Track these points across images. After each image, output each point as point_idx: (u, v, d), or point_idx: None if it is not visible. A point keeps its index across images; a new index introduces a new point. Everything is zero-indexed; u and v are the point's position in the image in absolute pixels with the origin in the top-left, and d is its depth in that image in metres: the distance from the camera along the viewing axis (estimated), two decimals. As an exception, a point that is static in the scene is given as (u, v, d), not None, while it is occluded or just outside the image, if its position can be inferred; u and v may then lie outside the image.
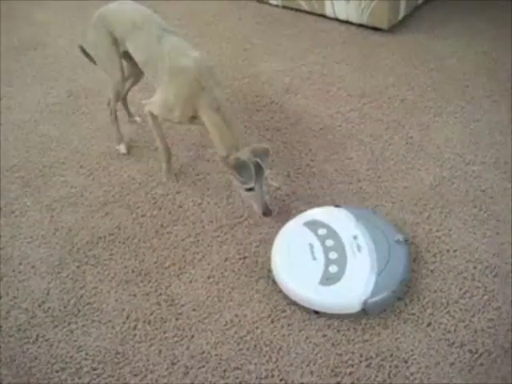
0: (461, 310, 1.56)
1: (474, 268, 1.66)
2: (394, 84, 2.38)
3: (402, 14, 2.68)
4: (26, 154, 2.22)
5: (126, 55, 2.03)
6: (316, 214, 1.77)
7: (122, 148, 2.19)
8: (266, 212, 1.79)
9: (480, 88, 2.32)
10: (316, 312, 1.57)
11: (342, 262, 1.60)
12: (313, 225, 1.72)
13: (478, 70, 2.42)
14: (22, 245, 1.86)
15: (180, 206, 1.95)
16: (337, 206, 1.81)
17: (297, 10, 2.89)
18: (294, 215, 1.81)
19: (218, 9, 3.02)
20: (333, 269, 1.59)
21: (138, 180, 2.06)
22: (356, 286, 1.55)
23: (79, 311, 1.65)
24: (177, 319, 1.61)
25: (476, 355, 1.46)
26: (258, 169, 1.73)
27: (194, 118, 1.85)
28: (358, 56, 2.57)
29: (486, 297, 1.59)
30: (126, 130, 2.26)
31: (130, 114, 2.32)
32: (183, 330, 1.58)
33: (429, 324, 1.53)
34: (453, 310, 1.56)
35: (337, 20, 2.78)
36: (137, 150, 2.20)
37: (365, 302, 1.53)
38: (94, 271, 1.76)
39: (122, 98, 2.25)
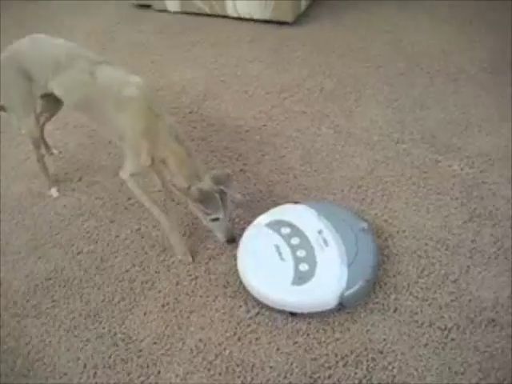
0: (422, 289, 1.56)
1: (426, 245, 1.67)
2: (309, 75, 2.37)
3: (303, 6, 2.68)
4: None
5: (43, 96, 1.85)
6: (276, 213, 1.72)
7: (54, 192, 2.02)
8: (230, 240, 1.69)
9: (393, 67, 2.36)
10: (292, 314, 1.52)
11: (311, 259, 1.56)
12: (275, 225, 1.67)
13: (386, 49, 2.47)
14: (-50, 310, 1.68)
15: (117, 236, 1.83)
16: (296, 202, 1.77)
17: (197, 13, 2.82)
18: (241, 223, 1.75)
19: (117, 21, 2.89)
20: (303, 267, 1.55)
21: (66, 216, 1.92)
22: (330, 281, 1.52)
23: (29, 371, 1.51)
24: (138, 357, 1.50)
25: (446, 331, 1.46)
26: (223, 197, 1.62)
27: (155, 160, 1.66)
28: (269, 52, 2.54)
29: (442, 271, 1.60)
30: (49, 164, 2.10)
31: (47, 147, 2.15)
32: (147, 367, 1.48)
33: (395, 309, 1.52)
34: (415, 290, 1.56)
35: (240, 19, 2.75)
36: (64, 184, 2.05)
37: (341, 296, 1.49)
38: (38, 323, 1.61)
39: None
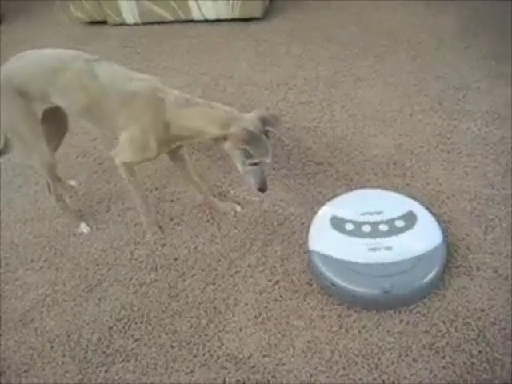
0: (493, 244, 1.63)
1: (478, 204, 1.75)
2: (298, 65, 2.40)
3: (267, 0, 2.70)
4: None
5: (43, 116, 1.71)
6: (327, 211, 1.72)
7: (84, 227, 1.90)
8: (263, 187, 1.63)
9: (374, 46, 2.44)
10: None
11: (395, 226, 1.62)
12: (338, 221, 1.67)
13: (361, 30, 2.54)
14: None
15: (175, 259, 1.75)
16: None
17: (159, 22, 2.74)
18: (303, 222, 1.75)
19: (75, 41, 2.72)
20: (399, 223, 1.61)
21: (110, 249, 1.81)
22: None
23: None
24: (254, 373, 1.46)
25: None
26: (268, 140, 1.56)
27: (170, 140, 1.62)
28: (249, 50, 2.53)
29: (504, 224, 1.68)
30: (65, 198, 1.96)
31: (60, 182, 1.99)
32: (268, 381, 1.44)
33: (478, 268, 1.58)
34: (487, 247, 1.63)
35: (206, 21, 2.70)
36: (93, 218, 1.93)
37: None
38: (129, 366, 1.51)
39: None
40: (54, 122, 1.82)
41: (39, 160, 1.76)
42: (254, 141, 1.53)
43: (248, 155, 1.55)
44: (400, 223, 1.61)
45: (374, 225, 1.62)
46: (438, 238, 1.58)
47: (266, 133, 1.56)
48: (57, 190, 1.87)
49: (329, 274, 1.57)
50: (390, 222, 1.62)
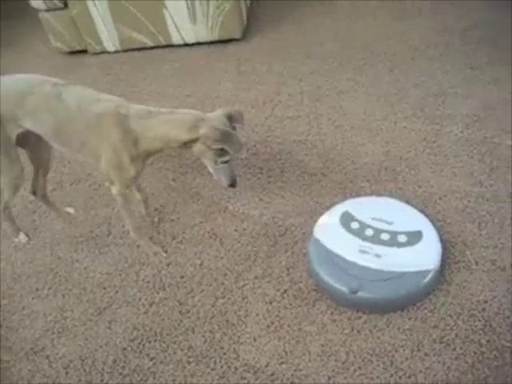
0: (487, 239, 1.70)
1: (469, 202, 1.82)
2: (282, 82, 2.46)
3: (245, 20, 2.76)
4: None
5: (21, 139, 1.75)
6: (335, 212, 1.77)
7: (23, 237, 1.99)
8: (233, 184, 1.71)
9: (351, 59, 2.52)
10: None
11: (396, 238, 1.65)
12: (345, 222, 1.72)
13: (337, 44, 2.63)
14: None
15: (182, 276, 1.78)
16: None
17: (140, 49, 2.78)
18: (299, 234, 1.80)
19: (56, 71, 2.73)
20: (401, 238, 1.64)
21: (115, 272, 1.82)
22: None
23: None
24: (272, 381, 1.49)
25: None
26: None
27: (142, 156, 1.65)
28: (231, 70, 2.59)
29: (496, 220, 1.76)
30: (64, 227, 2.01)
31: (56, 209, 2.03)
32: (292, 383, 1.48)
33: (476, 262, 1.65)
34: (483, 241, 1.70)
35: (186, 45, 2.75)
36: (95, 242, 1.94)
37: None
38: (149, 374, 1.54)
39: (40, 194, 1.98)
40: (36, 147, 1.85)
41: (7, 182, 1.79)
42: (227, 138, 1.58)
43: (220, 154, 1.61)
44: (402, 238, 1.64)
45: (378, 231, 1.67)
46: (429, 265, 1.59)
47: (233, 129, 1.62)
48: (8, 200, 1.88)
49: (314, 260, 1.66)
50: (393, 233, 1.66)
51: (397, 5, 2.81)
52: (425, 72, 2.37)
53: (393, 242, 1.64)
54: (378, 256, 1.61)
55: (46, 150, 1.90)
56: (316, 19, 2.83)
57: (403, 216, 1.72)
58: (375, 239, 1.65)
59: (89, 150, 1.68)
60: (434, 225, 1.71)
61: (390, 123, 2.17)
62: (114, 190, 1.73)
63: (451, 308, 1.56)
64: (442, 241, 1.67)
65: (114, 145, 1.62)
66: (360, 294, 1.56)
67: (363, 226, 1.69)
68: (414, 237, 1.65)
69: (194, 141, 1.60)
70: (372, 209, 1.75)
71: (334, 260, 1.63)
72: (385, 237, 1.66)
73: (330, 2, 2.95)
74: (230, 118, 1.62)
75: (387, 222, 1.69)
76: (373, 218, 1.70)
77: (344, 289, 1.58)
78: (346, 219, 1.72)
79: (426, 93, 2.27)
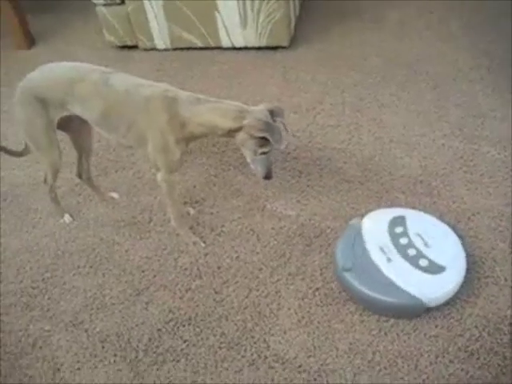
0: (518, 258, 1.77)
1: (501, 221, 1.86)
2: (325, 91, 2.53)
3: (293, 29, 2.85)
4: (3, 277, 1.92)
5: (64, 124, 1.86)
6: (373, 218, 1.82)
7: (67, 218, 2.09)
8: (269, 175, 1.78)
9: (395, 75, 2.58)
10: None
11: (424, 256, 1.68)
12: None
13: (382, 60, 2.69)
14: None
15: (219, 267, 1.85)
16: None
17: (189, 48, 2.88)
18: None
19: (106, 64, 2.84)
20: (423, 262, 1.66)
21: (154, 257, 1.91)
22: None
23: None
24: (299, 372, 1.55)
25: None
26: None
27: (186, 139, 1.75)
28: (277, 76, 2.67)
29: None
30: (107, 210, 2.10)
31: (100, 193, 2.13)
32: (314, 380, 1.53)
33: (505, 279, 1.70)
34: (516, 260, 1.76)
35: (234, 49, 2.85)
36: (136, 227, 2.03)
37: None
38: (180, 366, 1.59)
39: (85, 177, 2.08)
40: (78, 132, 1.96)
41: (48, 165, 1.90)
42: (269, 129, 1.67)
43: (261, 144, 1.69)
44: (424, 263, 1.66)
45: (409, 244, 1.70)
46: (425, 298, 1.61)
47: (275, 122, 1.72)
48: (52, 183, 1.99)
49: (343, 235, 1.79)
50: (420, 254, 1.68)
51: (443, 27, 2.87)
52: (466, 93, 2.43)
53: (414, 260, 1.66)
54: (389, 261, 1.67)
55: (88, 135, 2.00)
56: (363, 34, 2.91)
57: (443, 244, 1.72)
58: (402, 249, 1.69)
59: (135, 134, 1.76)
60: (464, 265, 1.70)
61: (429, 140, 2.22)
62: (160, 176, 1.80)
63: (477, 320, 1.61)
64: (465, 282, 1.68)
65: (161, 127, 1.71)
66: (350, 274, 1.66)
67: (404, 234, 1.73)
68: (438, 269, 1.65)
69: (238, 130, 1.69)
70: (421, 224, 1.78)
71: (355, 240, 1.73)
72: (411, 253, 1.68)
73: (379, 19, 3.02)
74: (272, 113, 1.73)
75: (425, 243, 1.70)
76: (415, 233, 1.73)
77: (339, 264, 1.69)
78: (397, 222, 1.77)
79: (465, 113, 2.32)
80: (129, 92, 1.73)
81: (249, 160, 1.78)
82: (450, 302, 1.65)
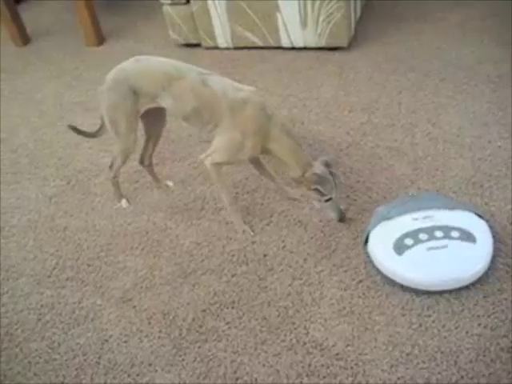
0: None
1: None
2: (381, 93, 2.54)
3: (353, 30, 2.87)
4: (62, 253, 2.03)
5: (144, 112, 1.94)
6: (382, 239, 1.81)
7: (124, 203, 2.19)
8: (342, 218, 1.90)
9: (455, 78, 2.55)
10: None
11: (448, 228, 1.75)
12: (401, 247, 1.75)
13: (442, 63, 2.67)
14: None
15: (265, 255, 1.90)
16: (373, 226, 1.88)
17: (250, 47, 2.96)
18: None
19: (176, 59, 2.93)
20: (455, 234, 1.73)
21: (204, 243, 1.98)
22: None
23: (237, 388, 1.55)
24: (338, 360, 1.57)
25: None
26: (333, 178, 1.85)
27: (261, 151, 1.87)
28: (333, 76, 2.69)
29: None
30: (162, 197, 2.19)
31: (157, 180, 2.22)
32: (351, 368, 1.55)
33: None
34: None
35: (293, 49, 2.90)
36: (188, 214, 2.11)
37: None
38: (221, 346, 1.65)
39: (147, 164, 2.17)
40: (154, 119, 2.04)
41: (122, 149, 2.00)
42: (321, 181, 1.83)
43: (320, 193, 1.84)
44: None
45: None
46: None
47: (331, 173, 1.86)
48: (118, 170, 2.09)
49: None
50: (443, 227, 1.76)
51: (506, 31, 2.81)
52: (528, 96, 2.38)
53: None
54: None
55: (162, 123, 2.09)
56: (422, 37, 2.89)
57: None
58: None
59: (220, 128, 1.84)
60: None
61: (484, 141, 2.19)
62: (210, 160, 1.86)
63: (524, 322, 1.58)
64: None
65: (247, 130, 1.80)
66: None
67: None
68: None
69: (299, 180, 1.86)
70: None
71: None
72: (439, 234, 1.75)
73: (439, 22, 2.99)
74: (327, 164, 1.87)
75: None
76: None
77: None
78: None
79: (525, 117, 2.28)
80: (226, 93, 1.81)
81: (318, 207, 1.93)
82: (496, 302, 1.63)
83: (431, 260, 1.69)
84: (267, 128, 1.81)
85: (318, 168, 1.83)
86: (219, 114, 1.81)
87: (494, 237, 1.75)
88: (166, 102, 1.89)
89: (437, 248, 1.71)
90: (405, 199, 1.93)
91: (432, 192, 1.99)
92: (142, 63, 1.92)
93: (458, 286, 1.68)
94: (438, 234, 1.74)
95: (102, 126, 2.04)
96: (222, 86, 1.83)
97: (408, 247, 1.73)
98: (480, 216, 1.81)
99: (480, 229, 1.76)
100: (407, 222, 1.79)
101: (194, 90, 1.83)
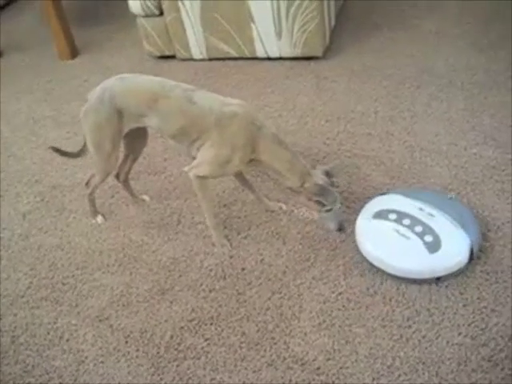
0: None
1: None
2: (357, 101, 2.54)
3: (328, 40, 2.87)
4: (36, 272, 1.99)
5: (127, 133, 1.90)
6: (374, 205, 1.89)
7: (100, 219, 2.15)
8: (341, 228, 1.87)
9: (429, 86, 2.56)
10: (437, 278, 1.72)
11: (429, 231, 1.74)
12: (380, 215, 1.83)
13: (416, 71, 2.68)
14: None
15: (243, 269, 1.87)
16: (382, 193, 1.98)
17: (225, 58, 2.94)
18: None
19: (151, 71, 2.84)
20: (428, 238, 1.72)
21: (181, 258, 1.94)
22: (459, 243, 1.73)
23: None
24: (318, 375, 1.55)
25: None
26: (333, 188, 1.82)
27: (251, 161, 1.82)
28: (310, 86, 2.69)
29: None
30: (138, 212, 2.17)
31: (133, 195, 2.19)
32: (333, 382, 1.52)
33: None
34: None
35: (269, 59, 2.89)
36: (165, 229, 2.07)
37: (471, 251, 1.71)
38: (199, 363, 1.62)
39: (123, 179, 2.14)
40: (136, 137, 2.00)
41: (103, 168, 1.95)
42: (324, 193, 1.79)
43: (321, 204, 1.81)
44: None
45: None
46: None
47: (332, 183, 1.83)
48: (95, 188, 2.06)
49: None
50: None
51: (479, 38, 2.84)
52: (502, 103, 2.39)
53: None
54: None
55: (144, 142, 2.06)
56: (397, 45, 2.91)
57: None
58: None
59: (208, 143, 1.78)
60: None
61: (460, 148, 2.20)
62: (195, 172, 1.81)
63: (503, 330, 1.57)
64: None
65: (235, 144, 1.76)
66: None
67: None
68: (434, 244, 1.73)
69: (296, 190, 1.82)
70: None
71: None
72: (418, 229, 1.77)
73: (414, 30, 3.01)
74: (328, 173, 1.84)
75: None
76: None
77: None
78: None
79: (500, 123, 2.29)
80: (212, 109, 1.77)
81: (316, 217, 1.91)
82: (476, 311, 1.62)
83: (390, 238, 1.76)
84: (257, 140, 1.77)
85: (319, 178, 1.80)
86: (207, 131, 1.77)
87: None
88: (152, 122, 1.84)
89: (403, 235, 1.75)
90: (439, 196, 1.94)
91: (467, 207, 1.93)
92: (127, 82, 1.87)
93: (393, 272, 1.75)
94: (418, 228, 1.76)
95: (85, 145, 1.99)
96: (208, 102, 1.80)
97: (384, 218, 1.81)
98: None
99: (460, 253, 1.73)
100: (410, 206, 1.83)
101: (181, 108, 1.79)
